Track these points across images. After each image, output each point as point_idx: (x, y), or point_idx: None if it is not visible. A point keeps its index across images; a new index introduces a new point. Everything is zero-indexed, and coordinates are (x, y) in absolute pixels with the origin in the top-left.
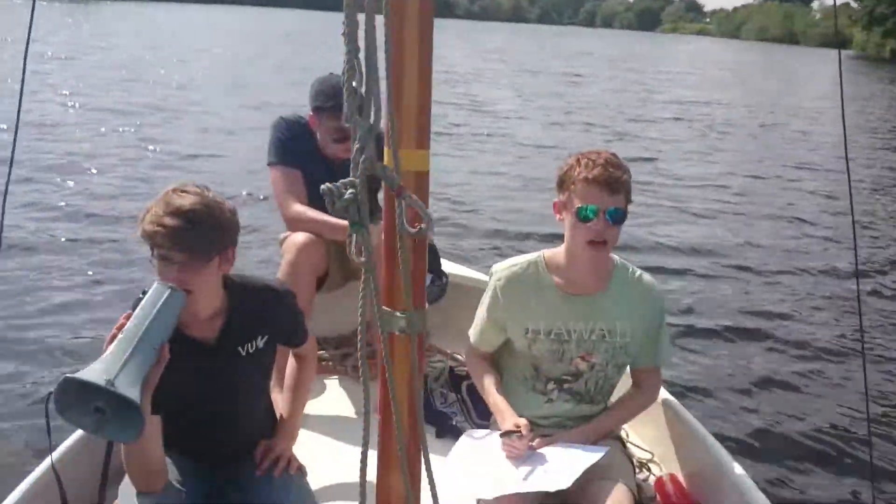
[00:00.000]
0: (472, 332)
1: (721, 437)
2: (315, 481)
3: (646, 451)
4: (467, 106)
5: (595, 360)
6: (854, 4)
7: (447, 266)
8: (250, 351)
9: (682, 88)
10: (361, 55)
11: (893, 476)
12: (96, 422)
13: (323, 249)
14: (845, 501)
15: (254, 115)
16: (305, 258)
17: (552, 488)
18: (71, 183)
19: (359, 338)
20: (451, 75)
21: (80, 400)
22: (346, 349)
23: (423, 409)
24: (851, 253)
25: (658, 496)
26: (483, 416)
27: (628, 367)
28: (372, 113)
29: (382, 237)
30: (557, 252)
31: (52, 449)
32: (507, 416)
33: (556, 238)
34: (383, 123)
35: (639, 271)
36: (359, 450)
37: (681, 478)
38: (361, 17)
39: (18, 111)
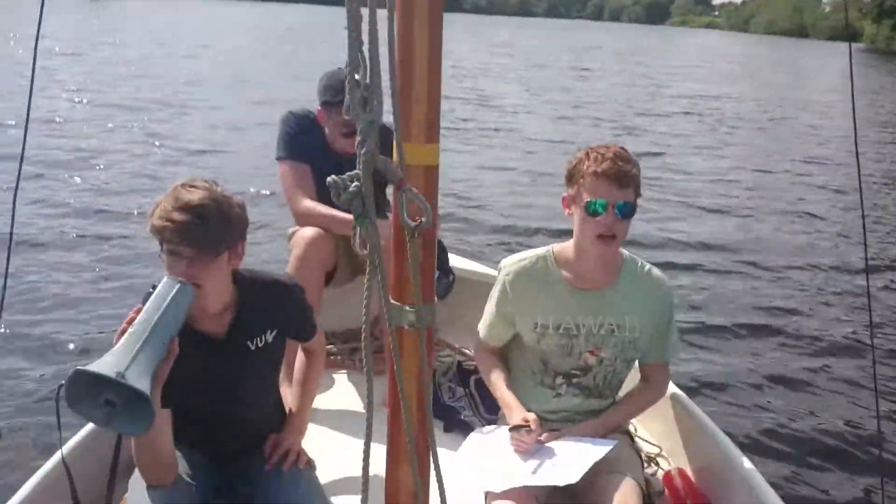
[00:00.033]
0: (481, 327)
1: (730, 433)
2: (324, 475)
3: (654, 445)
4: (475, 101)
5: (604, 354)
6: None
7: (455, 261)
8: (259, 345)
9: (690, 82)
10: (365, 48)
11: None
12: (106, 415)
13: (331, 244)
14: (854, 498)
15: (261, 110)
16: (314, 253)
17: (561, 483)
18: (79, 179)
19: (363, 331)
20: (458, 70)
21: (90, 393)
22: (354, 343)
23: (431, 403)
24: (861, 248)
25: (666, 490)
26: (491, 411)
27: (637, 362)
28: (374, 106)
29: (391, 232)
30: (566, 246)
31: (62, 443)
32: (515, 411)
33: (564, 234)
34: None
35: (648, 265)
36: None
37: (689, 472)
38: (365, 11)
39: (28, 108)
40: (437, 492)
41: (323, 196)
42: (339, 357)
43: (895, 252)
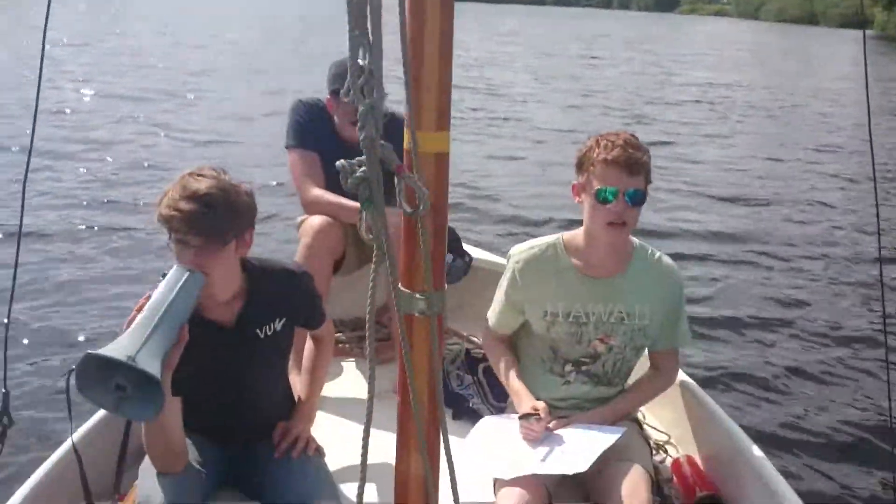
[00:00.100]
0: (490, 315)
1: (741, 424)
2: (333, 462)
3: (663, 433)
4: (483, 90)
5: (613, 342)
6: None
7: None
8: (268, 333)
9: (700, 70)
10: (369, 34)
11: None
12: (117, 400)
13: (340, 232)
14: (867, 491)
15: (270, 100)
16: (322, 241)
17: (570, 471)
18: (88, 169)
19: (367, 318)
20: (467, 59)
21: (101, 377)
22: (362, 332)
23: (442, 391)
24: (874, 238)
25: (675, 478)
26: (499, 399)
27: (646, 350)
28: (375, 92)
29: (401, 219)
30: (576, 234)
31: (72, 430)
32: (524, 399)
33: (573, 223)
34: (401, 106)
35: (658, 253)
36: (377, 431)
37: (698, 460)
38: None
39: (37, 99)
40: (448, 480)
41: (332, 185)
42: (347, 345)
43: None
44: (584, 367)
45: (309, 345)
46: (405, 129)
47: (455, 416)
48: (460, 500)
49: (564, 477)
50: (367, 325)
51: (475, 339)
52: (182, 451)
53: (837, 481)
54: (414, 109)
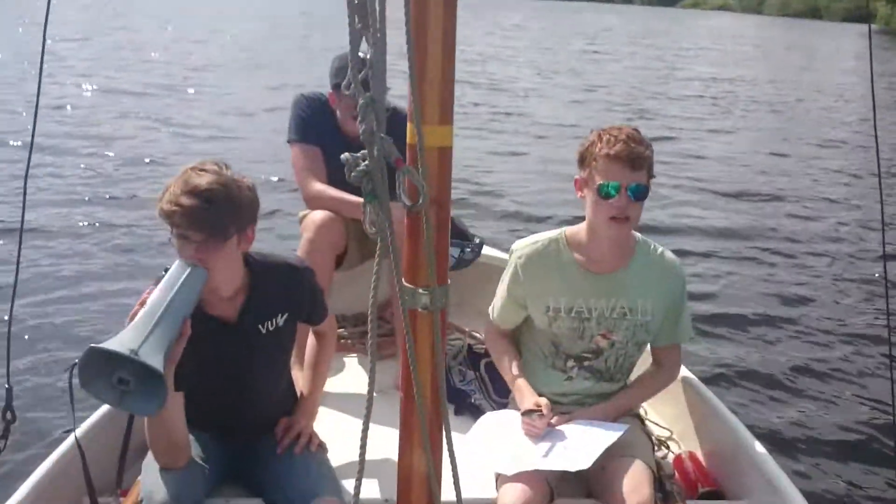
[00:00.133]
0: (492, 310)
1: (742, 421)
2: (335, 458)
3: (665, 428)
4: (485, 85)
5: (616, 337)
6: None
7: None
8: (270, 329)
9: (703, 65)
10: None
11: None
12: (120, 394)
13: (342, 227)
14: (869, 488)
15: (273, 95)
16: (324, 236)
17: (572, 468)
18: (89, 164)
19: (370, 313)
20: (468, 53)
21: (103, 371)
22: (364, 327)
23: (445, 386)
24: (879, 234)
25: (677, 474)
26: (501, 394)
27: (648, 345)
28: (375, 85)
29: (404, 213)
30: (579, 229)
31: (75, 425)
32: (526, 395)
33: (576, 219)
34: (404, 101)
35: (661, 248)
36: (380, 427)
37: (700, 456)
38: None
39: (38, 94)
40: (450, 475)
41: (334, 179)
42: (349, 340)
43: None
44: (586, 363)
45: (311, 340)
46: (408, 124)
47: (457, 412)
48: (462, 495)
49: (566, 473)
50: (369, 321)
51: (477, 335)
52: (185, 446)
53: (840, 479)
54: (418, 103)
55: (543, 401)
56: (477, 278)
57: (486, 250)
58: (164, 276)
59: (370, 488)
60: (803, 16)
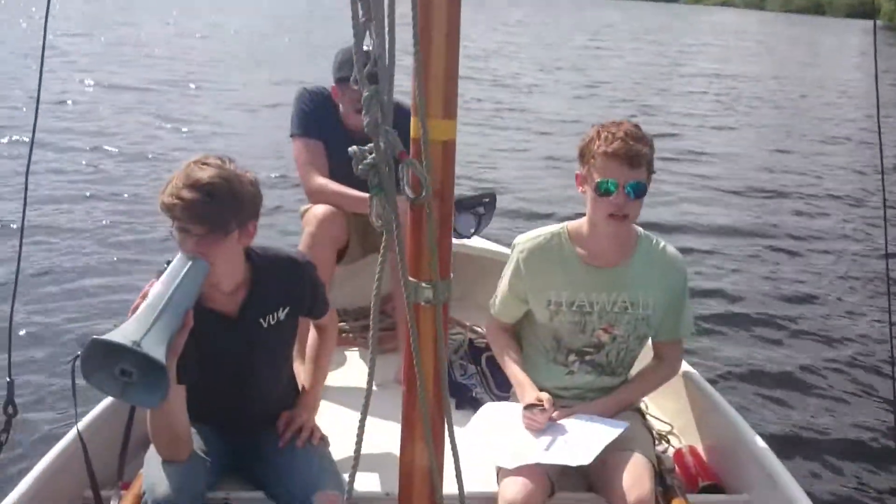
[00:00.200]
0: (494, 304)
1: (744, 417)
2: (337, 451)
3: (665, 423)
4: (488, 80)
5: (617, 331)
6: None
7: (466, 239)
8: (272, 323)
9: (706, 61)
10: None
11: None
12: (122, 386)
13: (343, 222)
14: (870, 486)
15: (276, 90)
16: (326, 230)
17: (573, 463)
18: (90, 160)
19: (372, 306)
20: (471, 49)
21: (106, 363)
22: (366, 321)
23: (447, 380)
24: (881, 231)
25: (677, 468)
26: (502, 388)
27: (650, 339)
28: (381, 79)
29: (407, 205)
30: (581, 223)
31: (77, 418)
32: (527, 390)
33: (578, 216)
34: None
35: (663, 243)
36: (381, 421)
37: (700, 450)
38: None
39: (39, 91)
40: (452, 468)
41: (336, 173)
42: (350, 335)
43: None
44: (587, 357)
45: (312, 334)
46: (412, 118)
47: (458, 406)
48: (464, 489)
49: (567, 467)
50: (371, 314)
51: (478, 329)
52: (187, 439)
53: (841, 475)
54: (422, 97)
55: (545, 395)
56: (478, 273)
57: (488, 245)
58: (165, 269)
59: (371, 482)
60: (807, 11)
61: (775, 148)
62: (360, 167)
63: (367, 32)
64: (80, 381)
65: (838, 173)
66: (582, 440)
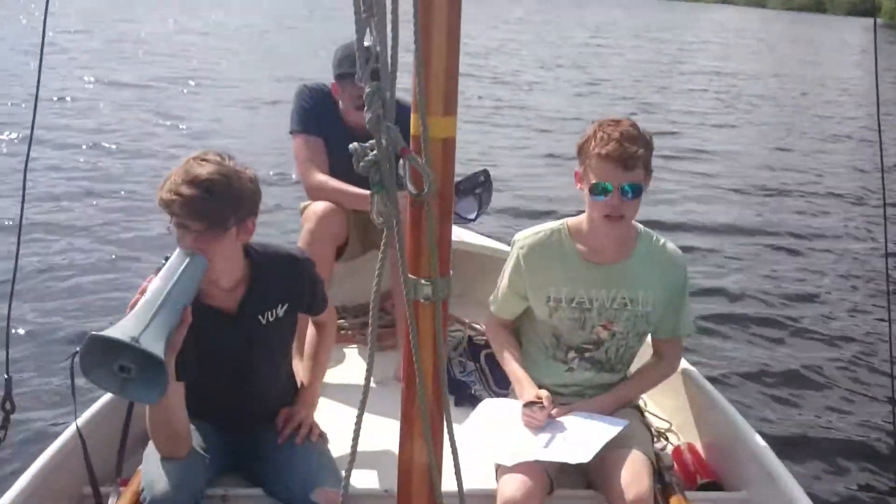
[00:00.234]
0: (493, 301)
1: (743, 416)
2: (336, 448)
3: (664, 420)
4: (488, 77)
5: (616, 328)
6: None
7: (465, 236)
8: (270, 319)
9: (707, 59)
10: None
11: None
12: (121, 382)
13: (343, 218)
14: (870, 486)
15: (276, 87)
16: (325, 227)
17: (572, 461)
18: (89, 158)
19: (372, 303)
20: (472, 46)
21: (104, 360)
22: (365, 318)
23: (446, 377)
24: (882, 229)
25: (676, 465)
26: (501, 385)
27: (649, 337)
28: (383, 75)
29: (407, 201)
30: (581, 220)
31: (76, 414)
32: (526, 387)
33: (578, 212)
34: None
35: (663, 240)
36: (380, 418)
37: (699, 447)
38: None
39: (37, 88)
40: (451, 465)
41: (336, 170)
42: (350, 331)
43: None
44: (587, 354)
45: (311, 331)
46: (413, 114)
47: (457, 403)
48: (463, 486)
49: (566, 464)
50: (370, 310)
51: (477, 326)
52: (186, 436)
53: (840, 474)
54: (422, 94)
55: (544, 393)
56: (477, 269)
57: (488, 242)
58: (164, 265)
59: (370, 478)
60: (807, 9)
61: (776, 146)
62: (361, 164)
63: (369, 29)
64: (79, 378)
65: (839, 171)
66: (581, 438)
